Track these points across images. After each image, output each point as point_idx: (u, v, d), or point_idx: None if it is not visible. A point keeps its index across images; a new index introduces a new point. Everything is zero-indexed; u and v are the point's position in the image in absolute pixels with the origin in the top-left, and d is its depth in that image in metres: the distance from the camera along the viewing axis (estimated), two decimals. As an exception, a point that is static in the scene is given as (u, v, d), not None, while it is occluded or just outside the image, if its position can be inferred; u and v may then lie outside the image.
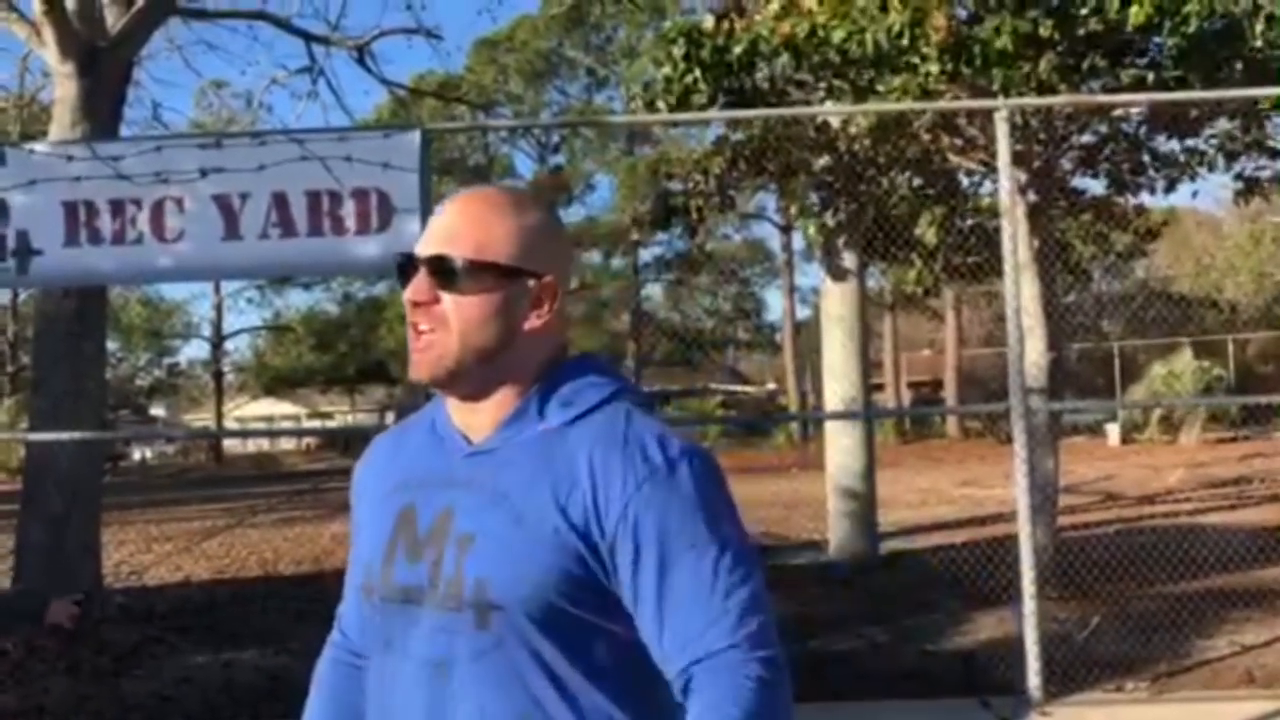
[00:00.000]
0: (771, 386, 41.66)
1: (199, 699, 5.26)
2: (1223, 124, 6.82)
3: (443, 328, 1.26)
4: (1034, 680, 4.61)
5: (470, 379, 1.28)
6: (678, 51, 6.37)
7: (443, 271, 1.26)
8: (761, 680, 1.17)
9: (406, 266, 1.29)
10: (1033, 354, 6.58)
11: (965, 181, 7.97)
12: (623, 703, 1.23)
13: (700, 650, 1.18)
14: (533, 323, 1.30)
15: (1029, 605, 4.63)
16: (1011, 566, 5.07)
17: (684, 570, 1.20)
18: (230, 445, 39.52)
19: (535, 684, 1.20)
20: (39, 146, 5.04)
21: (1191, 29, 5.64)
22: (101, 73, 6.99)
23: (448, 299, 1.26)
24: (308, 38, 10.35)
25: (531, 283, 1.29)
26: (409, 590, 1.26)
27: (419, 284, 1.27)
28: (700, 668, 1.18)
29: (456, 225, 1.28)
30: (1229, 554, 7.07)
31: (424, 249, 1.28)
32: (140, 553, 10.92)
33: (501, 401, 1.29)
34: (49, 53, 6.96)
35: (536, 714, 1.20)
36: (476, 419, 1.30)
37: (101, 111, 6.97)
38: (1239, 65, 5.87)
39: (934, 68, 5.73)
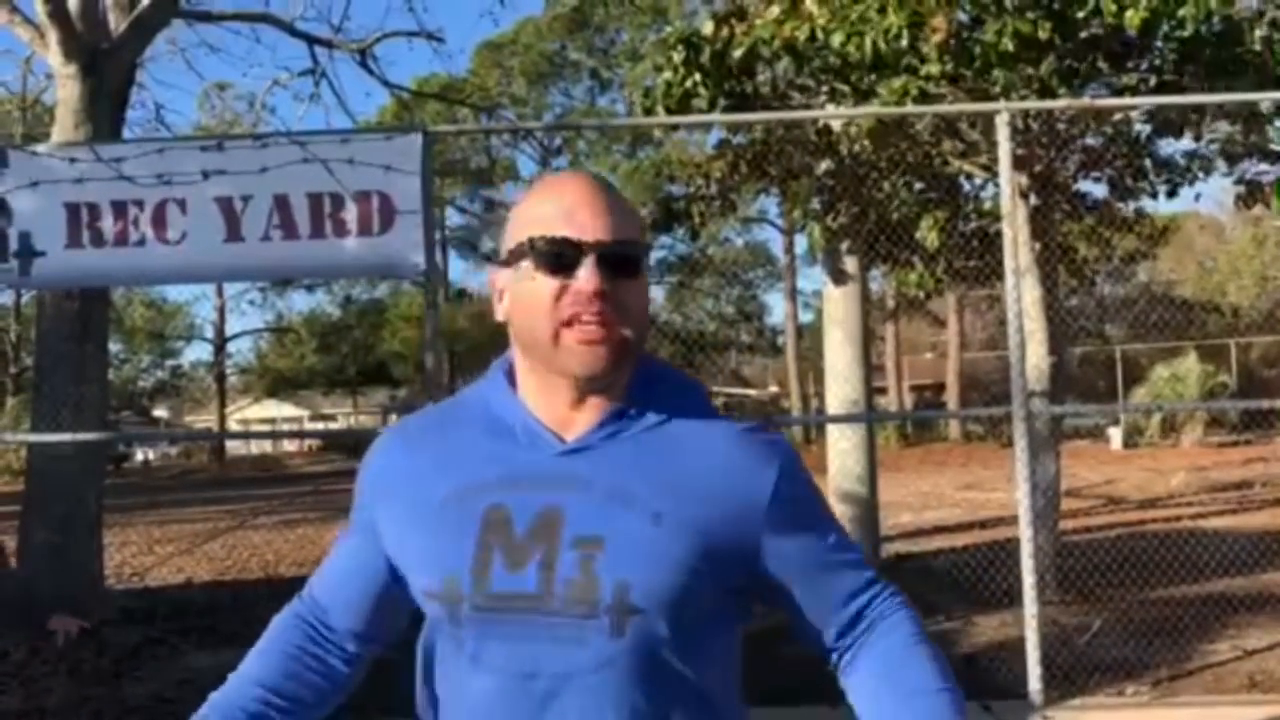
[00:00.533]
0: (773, 389, 41.67)
1: (200, 701, 5.23)
2: (1224, 127, 6.82)
3: (622, 318, 1.19)
4: (1035, 684, 4.60)
5: (621, 371, 1.23)
6: (677, 57, 6.39)
7: (624, 258, 1.20)
8: (907, 605, 1.34)
9: (563, 254, 1.19)
10: (1034, 358, 6.58)
11: (966, 185, 7.97)
12: (715, 700, 1.24)
13: (866, 603, 1.30)
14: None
15: (1030, 609, 4.62)
16: (1013, 570, 5.08)
17: (827, 539, 1.29)
18: (232, 447, 39.54)
19: (651, 691, 1.18)
20: (42, 148, 5.05)
21: (1188, 32, 5.64)
22: (104, 75, 7.00)
23: (625, 287, 1.20)
24: (311, 40, 10.38)
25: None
26: (512, 599, 1.17)
27: (598, 271, 1.18)
28: (874, 616, 1.30)
29: (617, 211, 1.21)
30: (1231, 558, 7.06)
31: (597, 235, 1.19)
32: (142, 554, 10.93)
33: (610, 396, 1.24)
34: (52, 55, 6.97)
35: None
36: (578, 414, 1.24)
37: (104, 113, 6.99)
38: (1238, 68, 5.87)
39: (934, 69, 5.74)
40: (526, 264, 1.20)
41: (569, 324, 1.18)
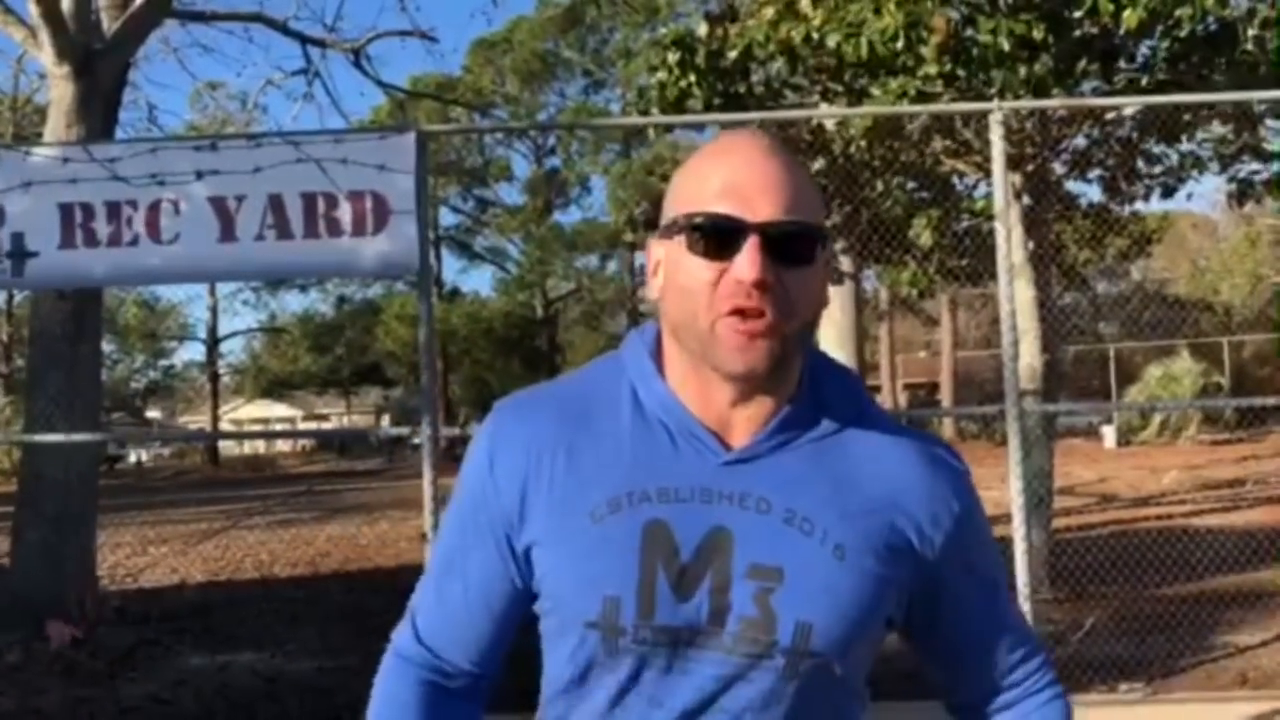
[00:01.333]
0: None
1: (195, 701, 5.26)
2: (1216, 128, 6.83)
3: (784, 310, 1.02)
4: (1029, 682, 4.61)
5: (783, 368, 1.06)
6: (672, 58, 6.39)
7: (796, 240, 1.03)
8: (1063, 696, 1.22)
9: (721, 233, 1.02)
10: (1027, 356, 6.59)
11: (959, 184, 7.99)
12: (861, 696, 1.18)
13: (1022, 678, 1.20)
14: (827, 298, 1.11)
15: (1024, 607, 4.63)
16: (1006, 567, 5.09)
17: (999, 593, 1.19)
18: (226, 447, 39.45)
19: (813, 714, 1.09)
20: (35, 149, 5.03)
21: (1184, 33, 5.66)
22: (97, 75, 6.99)
23: (794, 275, 1.03)
24: (304, 40, 10.38)
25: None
26: (680, 632, 1.05)
27: (761, 257, 1.01)
28: (1023, 692, 1.20)
29: (791, 183, 1.04)
30: (1224, 556, 7.07)
31: (764, 213, 1.02)
32: (136, 555, 10.90)
33: (777, 397, 1.08)
34: (45, 55, 6.95)
35: None
36: (741, 415, 1.08)
37: (97, 114, 6.98)
38: (1230, 68, 5.89)
39: (932, 69, 5.75)
40: (680, 240, 1.05)
41: (726, 315, 1.03)
